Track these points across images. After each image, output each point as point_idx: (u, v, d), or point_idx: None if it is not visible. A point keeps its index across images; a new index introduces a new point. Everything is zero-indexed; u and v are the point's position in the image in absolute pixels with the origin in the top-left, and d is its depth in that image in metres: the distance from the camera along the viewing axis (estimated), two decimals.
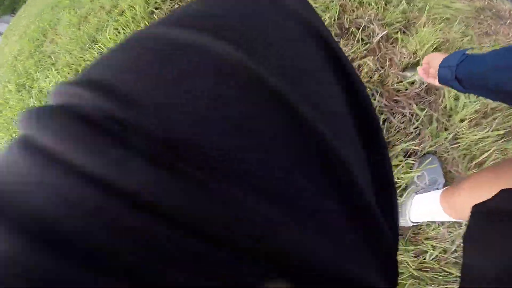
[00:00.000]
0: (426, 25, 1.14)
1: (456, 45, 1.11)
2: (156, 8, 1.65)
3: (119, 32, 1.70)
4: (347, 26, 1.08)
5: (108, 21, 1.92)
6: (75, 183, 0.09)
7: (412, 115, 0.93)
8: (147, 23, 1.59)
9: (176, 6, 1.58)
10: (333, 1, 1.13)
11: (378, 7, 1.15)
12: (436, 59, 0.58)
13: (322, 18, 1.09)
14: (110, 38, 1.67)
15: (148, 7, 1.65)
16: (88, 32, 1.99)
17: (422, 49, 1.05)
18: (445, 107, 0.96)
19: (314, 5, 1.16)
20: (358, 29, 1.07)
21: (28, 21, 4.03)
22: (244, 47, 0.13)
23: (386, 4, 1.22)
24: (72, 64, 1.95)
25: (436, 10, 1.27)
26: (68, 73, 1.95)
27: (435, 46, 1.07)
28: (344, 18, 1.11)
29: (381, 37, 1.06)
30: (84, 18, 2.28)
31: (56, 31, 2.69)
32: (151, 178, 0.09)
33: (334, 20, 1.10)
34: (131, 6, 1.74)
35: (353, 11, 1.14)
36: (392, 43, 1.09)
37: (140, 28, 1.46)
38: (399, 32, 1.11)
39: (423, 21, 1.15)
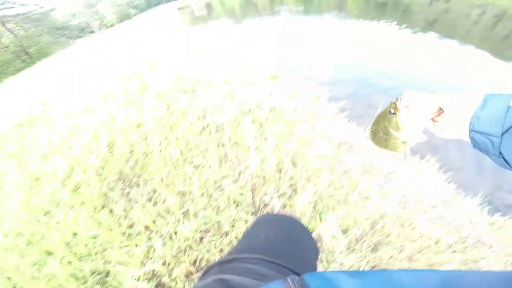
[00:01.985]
0: (305, 184, 1.83)
1: (327, 201, 1.77)
2: (109, 189, 1.95)
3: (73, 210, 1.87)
4: (257, 204, 1.66)
5: (62, 196, 2.05)
6: None
7: None
8: (101, 205, 1.85)
9: (127, 188, 1.93)
10: (245, 186, 1.73)
11: (275, 179, 1.81)
12: (454, 109, 0.45)
13: (240, 202, 1.67)
14: (69, 221, 1.81)
15: (101, 188, 1.95)
16: (41, 204, 2.08)
17: (308, 208, 1.67)
18: None
19: (232, 190, 1.74)
20: (265, 205, 1.66)
21: None
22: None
23: (279, 172, 1.90)
24: (23, 234, 1.97)
25: (311, 163, 2.01)
26: (17, 244, 1.96)
27: (315, 202, 1.72)
28: (256, 197, 1.70)
29: (279, 208, 1.65)
30: (35, 180, 2.46)
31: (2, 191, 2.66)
32: None
33: (248, 203, 1.67)
34: (86, 182, 2.04)
35: (260, 188, 1.75)
36: (285, 207, 1.70)
37: (95, 211, 1.69)
38: (290, 196, 1.74)
39: (304, 182, 1.84)
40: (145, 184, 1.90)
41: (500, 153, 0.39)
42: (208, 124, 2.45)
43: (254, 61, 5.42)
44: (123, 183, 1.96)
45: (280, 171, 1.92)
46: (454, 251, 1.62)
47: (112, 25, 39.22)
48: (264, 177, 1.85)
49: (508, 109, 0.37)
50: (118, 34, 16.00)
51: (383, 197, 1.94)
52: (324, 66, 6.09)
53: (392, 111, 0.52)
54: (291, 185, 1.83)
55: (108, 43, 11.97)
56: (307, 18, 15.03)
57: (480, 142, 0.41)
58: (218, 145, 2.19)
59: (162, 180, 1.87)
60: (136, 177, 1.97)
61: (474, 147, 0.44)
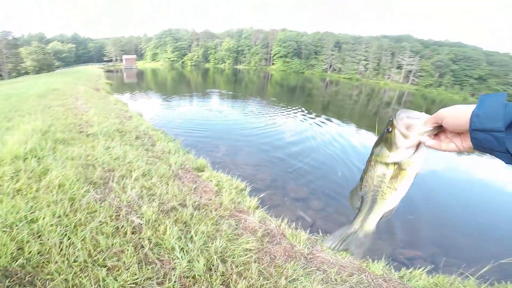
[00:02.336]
0: (237, 278, 1.86)
1: None
2: None
3: None
4: None
5: None
6: None
7: None
8: None
9: (16, 286, 1.39)
10: (173, 287, 1.63)
11: (206, 277, 1.78)
12: (453, 116, 0.46)
13: None
14: None
15: None
16: None
17: None
18: None
19: None
20: None
21: None
22: None
23: (210, 270, 1.89)
24: None
25: (239, 258, 2.08)
26: None
27: None
28: None
29: None
30: None
31: None
32: None
33: None
34: None
35: (192, 287, 1.68)
36: None
37: None
38: None
39: (235, 277, 1.86)
40: (43, 284, 1.51)
41: (507, 149, 0.39)
42: (123, 225, 2.17)
43: (178, 152, 5.15)
44: (9, 280, 1.48)
45: (210, 269, 1.88)
46: None
47: (26, 73, 33.11)
48: (194, 276, 1.77)
49: (505, 105, 0.39)
50: (25, 88, 12.56)
51: (307, 277, 2.14)
52: (245, 158, 6.64)
53: (389, 128, 0.54)
54: (223, 282, 1.81)
55: (10, 98, 8.93)
56: (235, 101, 17.28)
57: (484, 140, 0.41)
58: (135, 247, 1.94)
59: (66, 280, 1.53)
60: (28, 275, 1.54)
61: (477, 148, 0.43)
